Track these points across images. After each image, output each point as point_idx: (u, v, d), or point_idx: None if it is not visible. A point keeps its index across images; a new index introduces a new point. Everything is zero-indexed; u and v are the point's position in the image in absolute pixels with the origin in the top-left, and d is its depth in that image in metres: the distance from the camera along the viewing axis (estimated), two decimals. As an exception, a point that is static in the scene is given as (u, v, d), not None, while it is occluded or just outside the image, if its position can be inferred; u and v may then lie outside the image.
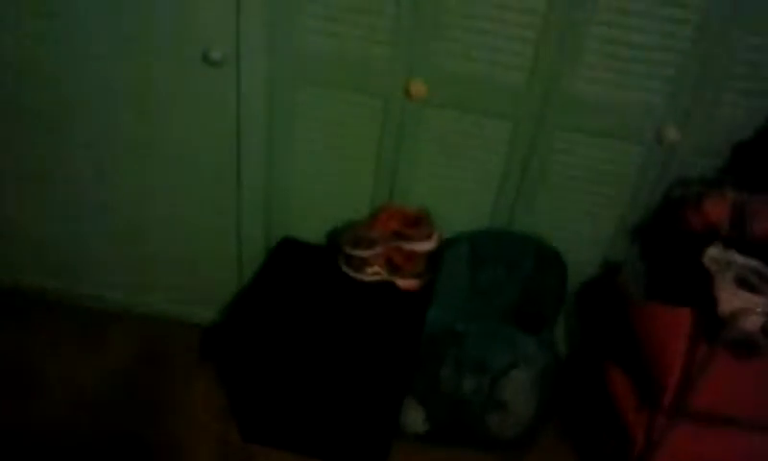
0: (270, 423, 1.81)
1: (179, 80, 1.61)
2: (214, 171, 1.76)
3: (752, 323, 1.30)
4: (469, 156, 1.64)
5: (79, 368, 1.94)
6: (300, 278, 1.75)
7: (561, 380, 1.84)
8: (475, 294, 1.80)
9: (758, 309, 1.30)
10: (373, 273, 1.73)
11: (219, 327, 2.08)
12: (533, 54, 1.46)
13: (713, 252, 1.40)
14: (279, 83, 1.59)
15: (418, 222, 1.69)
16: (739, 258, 1.38)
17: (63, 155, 1.79)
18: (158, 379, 1.95)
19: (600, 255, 1.78)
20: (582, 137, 1.57)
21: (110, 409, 1.85)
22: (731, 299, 1.32)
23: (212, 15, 1.51)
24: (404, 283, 1.73)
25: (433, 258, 1.73)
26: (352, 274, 1.74)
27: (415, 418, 1.82)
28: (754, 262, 1.38)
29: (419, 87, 1.53)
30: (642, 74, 1.45)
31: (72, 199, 1.88)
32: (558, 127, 1.56)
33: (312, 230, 1.86)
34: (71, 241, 1.98)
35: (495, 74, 1.50)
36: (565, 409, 1.96)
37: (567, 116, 1.54)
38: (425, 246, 1.69)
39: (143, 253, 1.97)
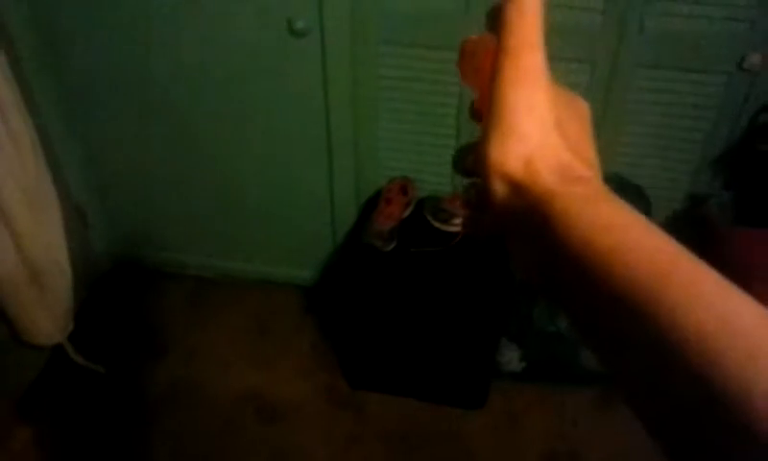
0: (374, 369, 1.95)
1: (264, 52, 1.71)
2: (304, 135, 1.86)
3: None
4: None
5: (190, 332, 2.14)
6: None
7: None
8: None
9: None
10: (461, 224, 1.81)
11: (321, 283, 2.22)
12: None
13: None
14: (362, 45, 1.65)
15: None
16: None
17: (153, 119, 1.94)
18: (265, 337, 2.12)
19: (684, 190, 1.79)
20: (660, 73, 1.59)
21: (224, 367, 2.04)
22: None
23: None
24: (492, 231, 1.81)
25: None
26: (439, 226, 1.82)
27: (511, 357, 1.92)
28: None
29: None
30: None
31: (170, 170, 2.04)
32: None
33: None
34: (176, 214, 2.16)
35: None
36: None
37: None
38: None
39: (242, 218, 2.13)
